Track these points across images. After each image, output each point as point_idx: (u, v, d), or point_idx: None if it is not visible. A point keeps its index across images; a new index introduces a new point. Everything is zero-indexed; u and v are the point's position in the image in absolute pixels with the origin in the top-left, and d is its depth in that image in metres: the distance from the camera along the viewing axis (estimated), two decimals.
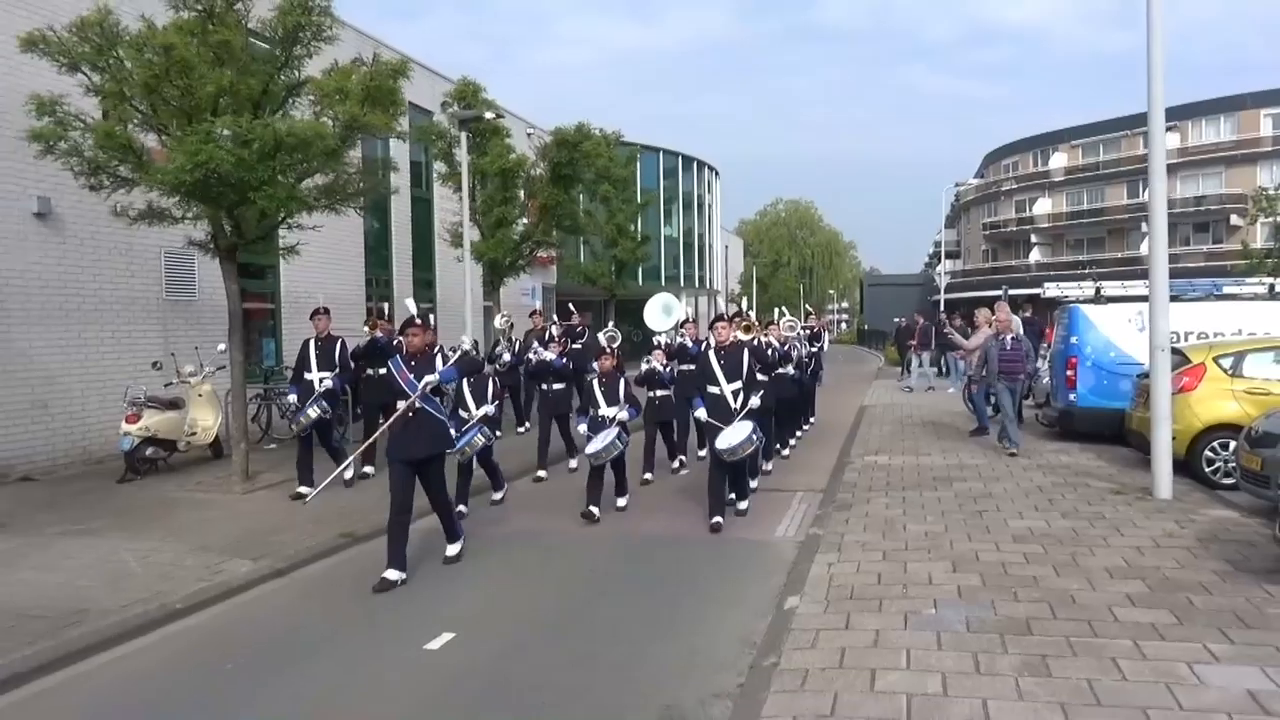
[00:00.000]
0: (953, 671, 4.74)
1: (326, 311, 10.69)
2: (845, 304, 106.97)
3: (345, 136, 9.74)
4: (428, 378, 7.06)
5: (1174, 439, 9.63)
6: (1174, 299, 12.82)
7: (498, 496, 10.02)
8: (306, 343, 10.54)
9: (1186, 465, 10.02)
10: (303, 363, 10.43)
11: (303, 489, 9.67)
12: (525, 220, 17.80)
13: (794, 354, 12.72)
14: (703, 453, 10.57)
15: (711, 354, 9.13)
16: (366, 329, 11.49)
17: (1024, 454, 11.81)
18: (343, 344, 10.56)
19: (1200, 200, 50.73)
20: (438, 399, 7.37)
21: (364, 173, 11.45)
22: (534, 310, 16.53)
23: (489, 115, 12.51)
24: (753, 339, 9.53)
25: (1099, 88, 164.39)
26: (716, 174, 52.02)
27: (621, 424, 9.39)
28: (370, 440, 9.21)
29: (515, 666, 5.34)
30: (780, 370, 11.62)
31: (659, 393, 11.21)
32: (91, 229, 12.07)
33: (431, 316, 8.90)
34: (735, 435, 8.53)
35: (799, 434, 14.38)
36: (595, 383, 9.73)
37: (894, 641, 5.19)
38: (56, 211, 11.59)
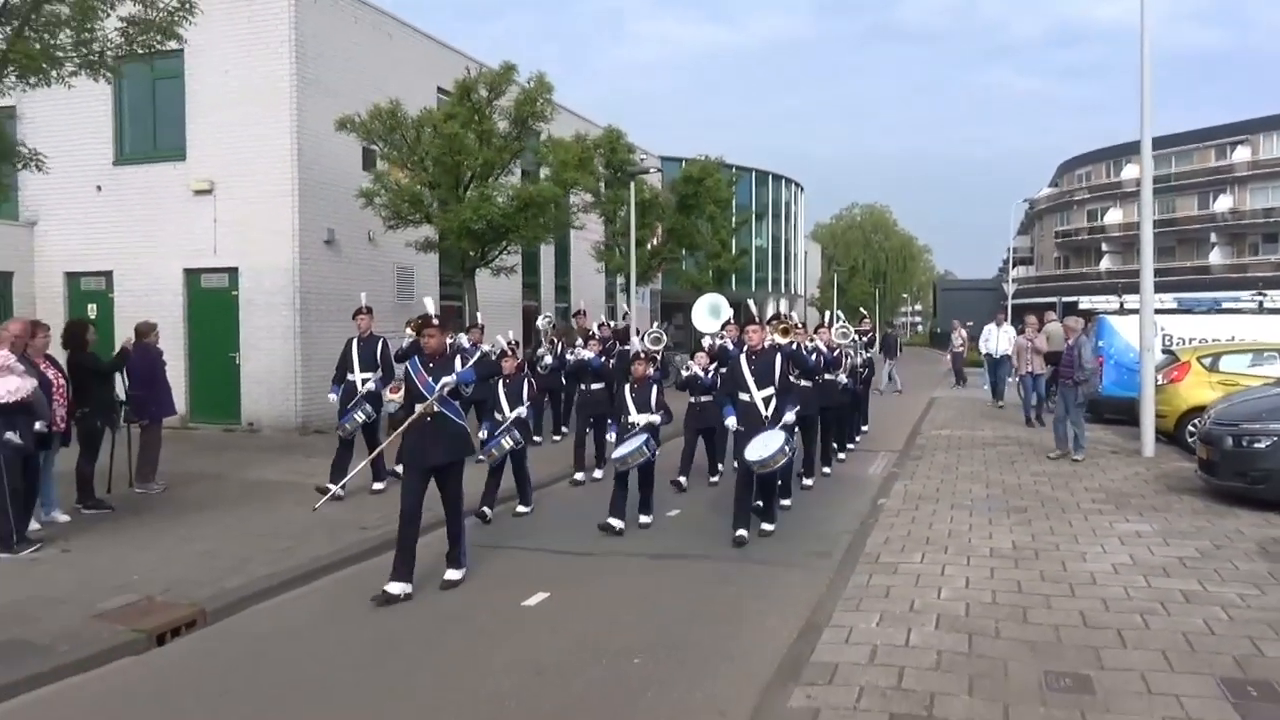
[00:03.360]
0: (975, 525, 8.56)
1: (369, 310, 10.42)
2: (919, 307, 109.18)
3: (564, 192, 13.91)
4: (445, 379, 6.82)
5: (1165, 418, 13.24)
6: (1185, 312, 16.37)
7: (523, 509, 9.58)
8: (350, 342, 10.30)
9: (1176, 438, 13.53)
10: (345, 363, 10.17)
11: (330, 485, 9.07)
12: (655, 240, 21.90)
13: (846, 361, 12.26)
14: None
15: (743, 358, 8.62)
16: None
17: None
18: (384, 344, 10.27)
19: (1270, 212, 52.50)
20: (456, 402, 7.10)
21: (561, 210, 15.66)
22: (577, 311, 15.75)
23: (653, 169, 16.52)
24: (790, 342, 8.95)
25: (1187, 87, 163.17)
26: (801, 188, 55.98)
27: (651, 430, 8.95)
28: (379, 449, 8.88)
29: (725, 520, 9.28)
30: (830, 377, 11.42)
31: (701, 399, 10.63)
32: (354, 252, 16.44)
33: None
34: (766, 446, 8.08)
35: (850, 446, 13.63)
36: (626, 388, 9.41)
37: (943, 515, 9.03)
38: (336, 240, 15.97)
